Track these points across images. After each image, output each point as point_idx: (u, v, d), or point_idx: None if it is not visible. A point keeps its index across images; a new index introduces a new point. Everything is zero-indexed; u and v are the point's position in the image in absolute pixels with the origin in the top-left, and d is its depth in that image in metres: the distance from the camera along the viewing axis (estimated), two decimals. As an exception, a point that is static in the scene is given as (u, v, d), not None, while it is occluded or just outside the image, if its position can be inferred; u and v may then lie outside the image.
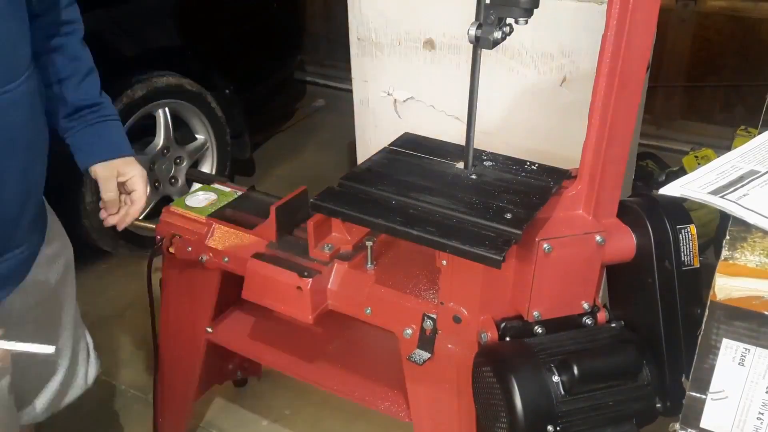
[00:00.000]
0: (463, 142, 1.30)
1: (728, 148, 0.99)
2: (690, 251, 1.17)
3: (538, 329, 1.20)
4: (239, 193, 1.70)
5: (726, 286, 0.73)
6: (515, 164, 1.34)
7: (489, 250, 1.08)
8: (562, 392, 1.09)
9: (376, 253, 1.39)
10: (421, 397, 1.39)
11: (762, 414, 0.76)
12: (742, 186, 0.87)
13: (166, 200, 2.87)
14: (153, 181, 2.88)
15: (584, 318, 1.22)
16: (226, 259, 1.53)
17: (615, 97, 1.12)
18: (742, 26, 3.41)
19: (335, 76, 4.45)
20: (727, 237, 0.79)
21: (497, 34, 1.12)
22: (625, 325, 1.24)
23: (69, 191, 2.49)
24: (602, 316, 1.24)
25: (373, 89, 2.28)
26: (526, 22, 1.12)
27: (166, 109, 2.86)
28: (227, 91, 3.16)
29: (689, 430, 0.80)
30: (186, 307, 1.70)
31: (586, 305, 1.21)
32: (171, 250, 1.59)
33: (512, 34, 1.16)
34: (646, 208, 1.19)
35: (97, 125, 1.36)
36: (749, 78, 3.44)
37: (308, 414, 2.10)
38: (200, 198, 1.67)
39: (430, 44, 2.10)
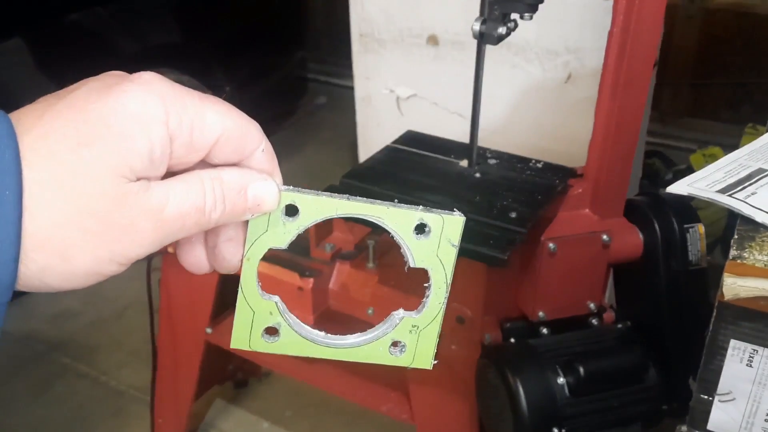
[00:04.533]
0: (467, 140, 1.28)
1: (736, 146, 0.97)
2: (698, 250, 1.16)
3: (543, 330, 1.19)
4: (240, 191, 1.69)
5: (734, 286, 0.72)
6: (520, 162, 1.33)
7: (493, 250, 1.07)
8: (568, 394, 1.07)
9: (378, 253, 1.38)
10: (424, 398, 1.38)
11: (771, 416, 0.75)
12: (750, 184, 0.85)
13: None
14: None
15: (590, 318, 1.21)
16: (227, 259, 1.52)
17: (621, 95, 1.11)
18: (749, 23, 3.39)
19: (337, 73, 4.44)
20: (735, 236, 0.78)
21: (502, 30, 1.11)
22: (632, 326, 1.22)
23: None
24: (609, 316, 1.23)
25: (376, 86, 2.27)
26: (531, 17, 1.11)
27: (166, 106, 2.85)
28: (227, 88, 3.15)
29: (696, 432, 0.79)
30: (185, 307, 1.69)
31: (592, 305, 1.20)
32: (170, 250, 1.57)
33: (517, 29, 1.15)
34: (653, 206, 1.19)
35: None
36: (757, 75, 3.42)
37: (309, 415, 2.08)
38: (201, 196, 1.66)
39: (433, 40, 2.09)
